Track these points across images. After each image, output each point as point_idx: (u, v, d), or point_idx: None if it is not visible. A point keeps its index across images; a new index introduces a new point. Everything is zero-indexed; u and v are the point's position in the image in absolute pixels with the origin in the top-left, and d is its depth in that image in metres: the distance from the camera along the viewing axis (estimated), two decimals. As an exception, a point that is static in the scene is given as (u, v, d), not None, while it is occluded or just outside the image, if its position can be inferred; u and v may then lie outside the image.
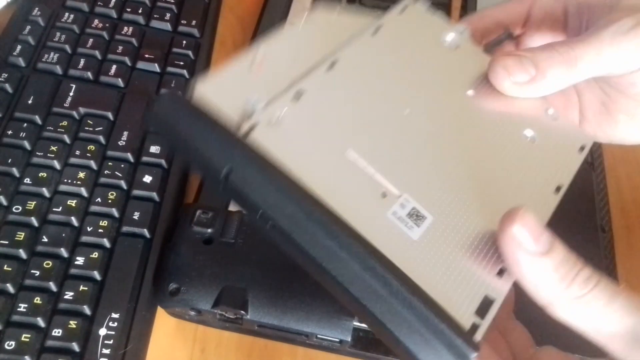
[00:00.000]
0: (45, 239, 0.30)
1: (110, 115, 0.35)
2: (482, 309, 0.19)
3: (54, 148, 0.33)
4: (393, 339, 0.19)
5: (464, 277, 0.20)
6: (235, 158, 0.20)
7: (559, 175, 0.24)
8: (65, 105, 0.35)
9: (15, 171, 0.32)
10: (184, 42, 0.40)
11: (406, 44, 0.26)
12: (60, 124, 0.34)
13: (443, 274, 0.20)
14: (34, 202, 0.31)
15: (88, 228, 0.31)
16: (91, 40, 0.38)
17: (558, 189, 0.24)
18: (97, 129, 0.34)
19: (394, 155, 0.22)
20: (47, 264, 0.30)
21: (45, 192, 0.32)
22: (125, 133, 0.35)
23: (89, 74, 0.37)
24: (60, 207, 0.31)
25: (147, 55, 0.39)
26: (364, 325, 0.30)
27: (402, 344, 0.19)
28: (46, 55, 0.37)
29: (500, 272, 0.20)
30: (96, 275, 0.30)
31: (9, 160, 0.32)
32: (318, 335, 0.29)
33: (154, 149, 0.35)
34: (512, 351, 0.24)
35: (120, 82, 0.37)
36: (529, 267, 0.19)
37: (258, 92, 0.21)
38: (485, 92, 0.25)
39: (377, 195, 0.21)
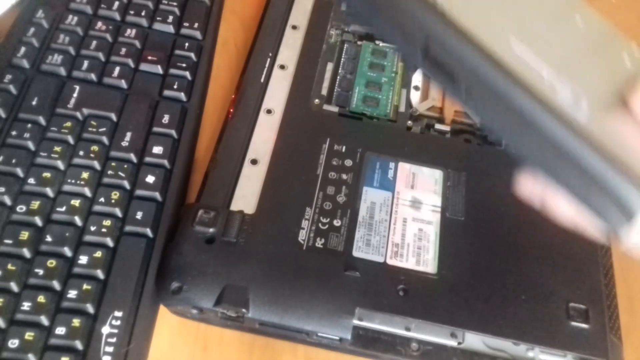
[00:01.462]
0: (49, 239, 0.31)
1: (113, 116, 0.36)
2: None
3: (57, 148, 0.33)
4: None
5: None
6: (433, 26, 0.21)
7: None
8: (69, 106, 0.35)
9: (19, 171, 0.33)
10: (187, 44, 0.40)
11: None
12: (64, 125, 0.35)
13: None
14: (37, 202, 0.31)
15: (91, 228, 0.31)
16: (95, 42, 0.39)
17: None
18: (100, 130, 0.35)
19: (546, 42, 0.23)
20: (51, 263, 0.30)
21: (49, 192, 0.32)
22: (129, 134, 0.35)
23: (93, 76, 0.37)
24: (64, 207, 0.32)
25: (150, 57, 0.39)
26: (363, 323, 0.30)
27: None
28: (50, 57, 0.37)
29: None
30: (99, 274, 0.30)
31: (13, 161, 0.33)
32: (318, 333, 0.30)
33: (157, 149, 0.35)
34: None
35: (123, 84, 0.38)
36: None
37: None
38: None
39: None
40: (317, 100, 0.39)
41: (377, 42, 0.43)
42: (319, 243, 0.32)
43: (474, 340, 0.31)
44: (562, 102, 0.21)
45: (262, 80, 0.39)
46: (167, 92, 0.38)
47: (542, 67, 0.22)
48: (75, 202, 0.32)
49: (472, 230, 0.33)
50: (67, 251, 0.31)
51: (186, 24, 0.41)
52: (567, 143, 0.21)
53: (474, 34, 0.21)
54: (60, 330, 0.28)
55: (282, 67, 0.40)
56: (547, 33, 0.23)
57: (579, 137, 0.21)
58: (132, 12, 0.41)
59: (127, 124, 0.36)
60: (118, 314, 0.29)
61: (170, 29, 0.41)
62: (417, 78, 0.41)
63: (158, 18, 0.41)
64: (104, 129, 0.35)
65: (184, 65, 0.39)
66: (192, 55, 0.40)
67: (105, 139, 0.35)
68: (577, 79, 0.22)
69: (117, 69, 0.38)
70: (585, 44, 0.23)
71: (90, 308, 0.29)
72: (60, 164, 0.33)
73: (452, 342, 0.31)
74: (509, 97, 0.21)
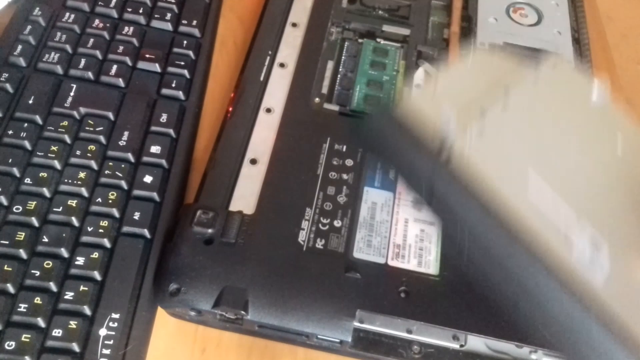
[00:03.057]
0: (45, 239, 0.30)
1: (110, 115, 0.35)
2: None
3: (54, 148, 0.33)
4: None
5: None
6: (437, 177, 0.23)
7: None
8: (65, 105, 0.35)
9: (15, 171, 0.32)
10: (185, 42, 0.40)
11: (562, 98, 0.28)
12: (61, 124, 0.34)
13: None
14: (34, 202, 0.31)
15: (88, 228, 0.31)
16: (92, 40, 0.38)
17: None
18: (97, 129, 0.34)
19: (569, 183, 0.23)
20: (48, 264, 0.30)
21: (45, 192, 0.32)
22: (126, 133, 0.35)
23: (90, 74, 0.37)
24: (61, 207, 0.31)
25: (147, 55, 0.39)
26: (364, 325, 0.30)
27: None
28: (47, 55, 0.37)
29: None
30: (96, 275, 0.30)
31: (10, 160, 0.32)
32: (318, 336, 0.29)
33: (155, 149, 0.35)
34: None
35: (121, 82, 0.37)
36: None
37: (447, 112, 0.24)
38: (631, 154, 0.26)
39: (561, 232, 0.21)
40: (317, 99, 0.39)
41: (378, 40, 0.42)
42: (319, 244, 0.32)
43: (477, 343, 0.30)
44: (578, 261, 0.20)
45: (261, 78, 0.39)
46: (165, 91, 0.38)
47: (559, 207, 0.21)
48: (72, 203, 0.32)
49: (474, 231, 0.33)
50: (64, 252, 0.30)
51: (184, 22, 0.41)
52: (577, 315, 0.19)
53: (485, 179, 0.22)
54: (57, 332, 0.28)
55: (281, 65, 0.40)
56: (571, 166, 0.24)
57: (591, 307, 0.19)
58: (129, 9, 0.41)
59: (124, 123, 0.35)
60: (115, 315, 0.29)
61: (169, 26, 0.41)
62: (419, 77, 0.41)
63: (156, 15, 0.41)
64: (101, 128, 0.35)
65: (182, 63, 0.39)
66: (191, 53, 0.40)
67: (102, 139, 0.34)
68: (600, 221, 0.21)
69: (115, 67, 0.37)
70: (617, 180, 0.23)
71: (87, 310, 0.29)
72: (57, 164, 0.33)
73: (454, 345, 0.30)
74: (514, 259, 0.20)
